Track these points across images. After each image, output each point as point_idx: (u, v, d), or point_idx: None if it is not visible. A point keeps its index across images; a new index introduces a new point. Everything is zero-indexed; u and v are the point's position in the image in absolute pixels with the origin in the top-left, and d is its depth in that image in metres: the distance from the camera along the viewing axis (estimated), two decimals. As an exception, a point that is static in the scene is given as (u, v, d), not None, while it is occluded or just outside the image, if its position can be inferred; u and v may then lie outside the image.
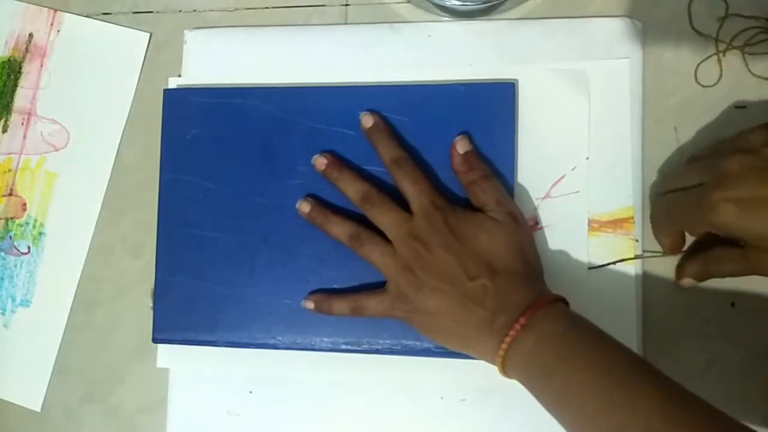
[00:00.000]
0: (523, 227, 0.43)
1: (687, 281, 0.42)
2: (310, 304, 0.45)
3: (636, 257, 0.44)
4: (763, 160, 0.37)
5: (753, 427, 0.32)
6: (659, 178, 0.45)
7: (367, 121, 0.45)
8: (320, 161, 0.45)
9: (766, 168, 0.37)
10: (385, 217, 0.43)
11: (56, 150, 0.52)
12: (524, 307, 0.38)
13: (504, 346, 0.38)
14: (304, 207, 0.45)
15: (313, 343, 0.46)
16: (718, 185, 0.37)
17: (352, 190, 0.44)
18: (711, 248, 0.41)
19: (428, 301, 0.41)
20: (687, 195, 0.39)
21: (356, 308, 0.44)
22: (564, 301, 0.40)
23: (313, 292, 0.45)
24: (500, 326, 0.39)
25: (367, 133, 0.45)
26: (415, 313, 0.42)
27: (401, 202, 0.43)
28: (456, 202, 0.43)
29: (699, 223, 0.39)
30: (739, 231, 0.37)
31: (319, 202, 0.46)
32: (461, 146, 0.44)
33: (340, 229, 0.44)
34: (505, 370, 0.39)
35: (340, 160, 0.46)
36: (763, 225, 0.36)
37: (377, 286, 0.44)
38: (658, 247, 0.44)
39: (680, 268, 0.43)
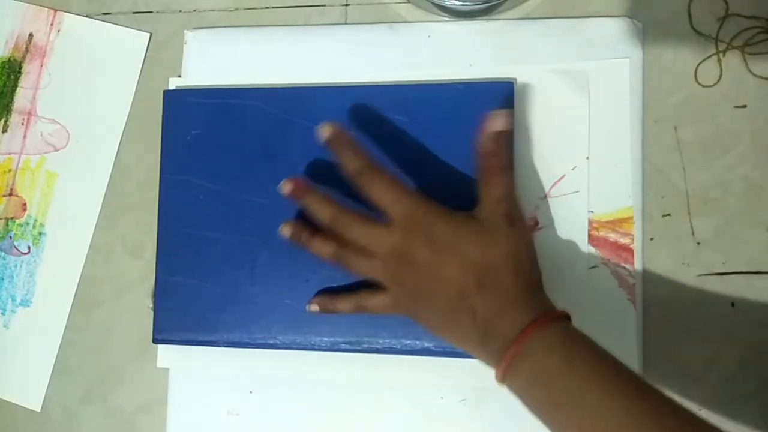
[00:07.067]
0: (519, 231, 0.40)
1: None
2: (315, 307, 0.45)
3: None
4: None
5: (753, 428, 0.32)
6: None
7: (325, 132, 0.42)
8: (285, 187, 0.43)
9: None
10: (360, 236, 0.41)
11: (56, 150, 0.52)
12: (515, 333, 0.37)
13: (499, 373, 0.38)
14: (285, 231, 0.44)
15: (312, 342, 0.46)
16: None
17: (320, 214, 0.42)
18: None
19: (423, 313, 0.41)
20: None
21: (359, 307, 0.43)
22: (563, 316, 0.38)
23: (315, 296, 0.45)
24: (493, 350, 0.38)
25: (327, 145, 0.42)
26: (414, 316, 0.42)
27: None
28: (451, 202, 0.41)
29: None
30: None
31: (300, 223, 0.44)
32: (495, 123, 0.40)
33: (322, 249, 0.43)
34: (503, 383, 0.38)
35: (304, 184, 0.43)
36: None
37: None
38: (657, 248, 0.44)
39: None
